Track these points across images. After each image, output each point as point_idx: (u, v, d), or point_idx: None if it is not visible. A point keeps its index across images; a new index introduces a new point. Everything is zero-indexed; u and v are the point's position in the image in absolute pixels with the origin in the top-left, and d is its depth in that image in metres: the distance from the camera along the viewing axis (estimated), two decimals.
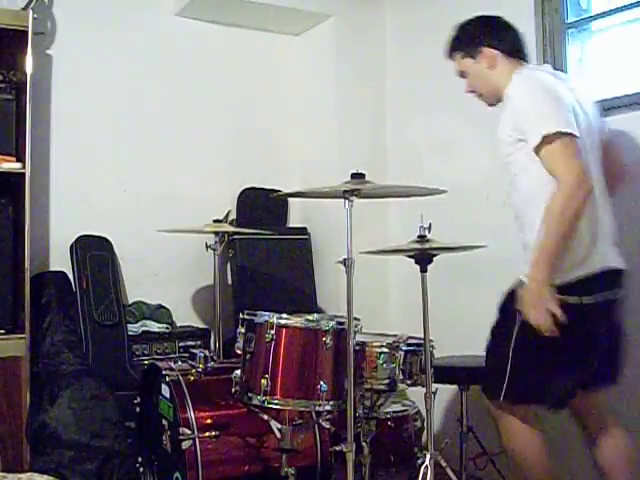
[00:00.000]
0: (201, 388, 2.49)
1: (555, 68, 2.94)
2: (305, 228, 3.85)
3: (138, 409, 2.69)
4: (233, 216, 3.67)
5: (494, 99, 2.31)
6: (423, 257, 2.27)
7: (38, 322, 3.03)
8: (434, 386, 2.32)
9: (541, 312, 1.97)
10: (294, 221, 3.94)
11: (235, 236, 3.55)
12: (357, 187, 2.10)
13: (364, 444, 2.34)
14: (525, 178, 2.14)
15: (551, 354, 2.06)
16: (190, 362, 2.61)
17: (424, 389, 2.28)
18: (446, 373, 2.62)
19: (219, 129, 3.75)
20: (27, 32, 2.89)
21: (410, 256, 2.33)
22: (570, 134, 1.99)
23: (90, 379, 2.91)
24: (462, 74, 2.37)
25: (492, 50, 2.27)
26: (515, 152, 2.12)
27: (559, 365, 2.08)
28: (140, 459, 2.69)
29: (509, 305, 2.13)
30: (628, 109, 2.67)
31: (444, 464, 2.26)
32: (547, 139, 1.99)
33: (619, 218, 2.26)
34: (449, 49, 2.39)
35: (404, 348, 2.29)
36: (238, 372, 2.31)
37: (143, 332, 3.33)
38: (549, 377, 2.09)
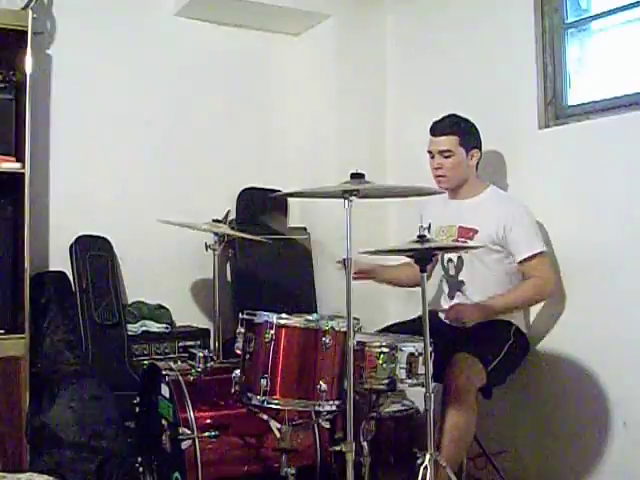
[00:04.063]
0: (201, 388, 2.50)
1: (555, 68, 2.95)
2: (305, 228, 3.85)
3: (138, 409, 2.69)
4: (232, 216, 3.67)
5: (453, 186, 2.79)
6: (423, 257, 2.27)
7: (38, 322, 3.03)
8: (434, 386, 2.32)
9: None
10: (294, 221, 3.93)
11: None
12: (357, 187, 2.10)
13: (364, 444, 2.33)
14: None
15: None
16: (190, 362, 2.62)
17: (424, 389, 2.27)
18: None
19: (219, 129, 3.74)
20: (27, 32, 2.89)
21: (410, 256, 2.33)
22: None
23: (90, 379, 2.91)
24: (444, 152, 2.72)
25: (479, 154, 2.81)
26: None
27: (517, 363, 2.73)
28: (140, 459, 2.69)
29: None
30: (628, 109, 2.66)
31: (444, 464, 2.25)
32: None
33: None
34: (448, 127, 2.74)
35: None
36: (238, 372, 2.30)
37: (143, 332, 3.33)
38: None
